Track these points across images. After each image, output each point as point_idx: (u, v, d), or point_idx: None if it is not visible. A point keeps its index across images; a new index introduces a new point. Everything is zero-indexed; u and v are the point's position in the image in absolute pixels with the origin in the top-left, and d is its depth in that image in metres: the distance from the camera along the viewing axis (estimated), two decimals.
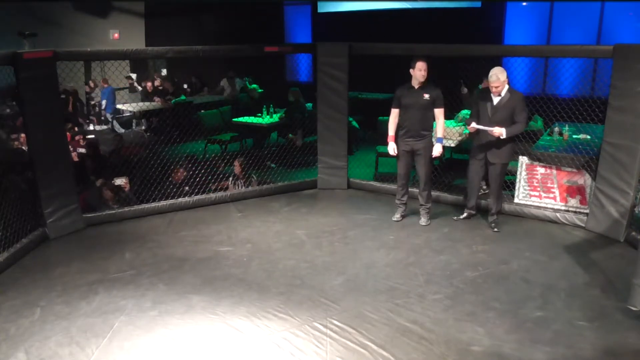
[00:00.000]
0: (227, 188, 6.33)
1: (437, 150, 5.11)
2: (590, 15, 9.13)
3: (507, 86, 4.94)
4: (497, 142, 4.96)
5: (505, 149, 5.01)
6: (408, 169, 5.31)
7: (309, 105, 8.55)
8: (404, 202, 5.51)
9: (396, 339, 3.45)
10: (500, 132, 4.84)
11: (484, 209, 5.57)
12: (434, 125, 5.21)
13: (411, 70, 5.00)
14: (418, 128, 5.05)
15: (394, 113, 5.20)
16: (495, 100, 4.95)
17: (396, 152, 5.18)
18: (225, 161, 6.64)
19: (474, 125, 5.01)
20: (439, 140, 5.11)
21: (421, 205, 5.42)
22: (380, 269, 4.47)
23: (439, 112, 5.09)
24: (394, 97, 5.17)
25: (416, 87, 5.01)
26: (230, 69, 11.39)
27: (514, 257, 4.69)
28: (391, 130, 5.22)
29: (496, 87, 4.86)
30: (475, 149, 5.20)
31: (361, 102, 9.57)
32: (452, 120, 6.75)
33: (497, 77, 4.83)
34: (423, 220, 5.43)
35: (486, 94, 5.03)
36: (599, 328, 3.55)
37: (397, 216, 5.54)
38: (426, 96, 4.98)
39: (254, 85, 10.17)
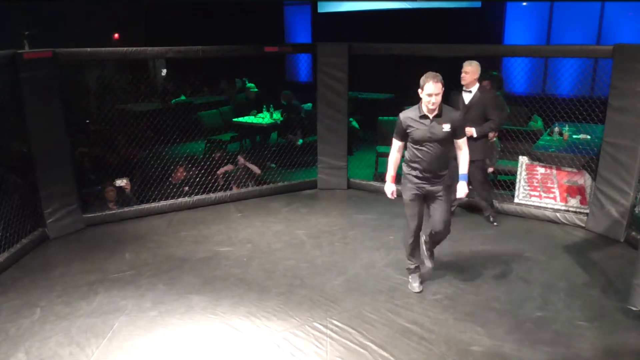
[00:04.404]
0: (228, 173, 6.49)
1: (462, 191, 3.91)
2: (590, 15, 9.13)
3: (477, 84, 5.01)
4: (471, 140, 4.86)
5: (480, 145, 5.04)
6: (421, 218, 3.97)
7: (309, 105, 8.55)
8: (417, 265, 4.15)
9: (396, 339, 3.45)
10: (470, 131, 4.86)
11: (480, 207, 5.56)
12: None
13: (420, 92, 3.68)
14: (436, 168, 3.77)
15: (397, 147, 3.90)
16: (467, 99, 4.99)
17: (394, 196, 3.97)
18: (225, 161, 6.64)
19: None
20: (463, 177, 3.92)
21: (435, 243, 4.12)
22: (380, 269, 4.47)
23: (462, 142, 3.85)
24: (398, 125, 3.81)
25: (431, 116, 3.68)
26: (228, 70, 11.35)
27: (514, 257, 4.68)
28: (392, 169, 3.97)
29: (465, 73, 4.92)
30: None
31: (361, 102, 9.56)
32: None
33: (470, 63, 4.93)
34: (429, 263, 4.15)
35: (457, 95, 5.09)
36: (599, 328, 3.55)
37: (415, 284, 4.12)
38: (446, 127, 3.68)
39: (250, 84, 10.17)
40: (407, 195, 3.90)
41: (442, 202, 3.85)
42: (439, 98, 3.61)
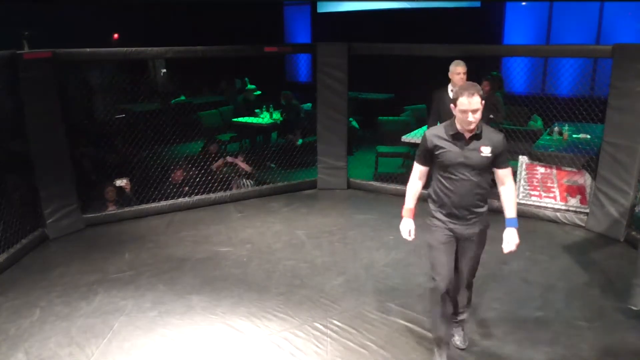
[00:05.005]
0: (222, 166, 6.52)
1: (512, 242, 3.04)
2: (590, 15, 9.13)
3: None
4: None
5: None
6: (453, 270, 3.12)
7: (309, 105, 8.55)
8: (448, 333, 3.23)
9: (396, 339, 3.45)
10: None
11: None
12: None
13: (452, 108, 2.94)
14: (469, 203, 2.98)
15: (418, 172, 3.12)
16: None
17: (412, 236, 3.13)
18: (222, 156, 6.64)
19: None
20: (512, 222, 3.03)
21: (459, 312, 3.32)
22: (380, 269, 4.47)
23: (504, 175, 3.02)
24: (422, 145, 3.06)
25: (467, 135, 2.94)
26: (228, 70, 11.37)
27: (514, 257, 4.67)
28: (411, 200, 3.15)
29: (464, 73, 4.87)
30: None
31: (361, 102, 9.57)
32: None
33: (464, 64, 4.87)
34: (458, 339, 3.36)
35: (443, 95, 5.04)
36: (598, 328, 3.55)
37: (459, 340, 3.39)
38: (486, 151, 2.92)
39: (251, 86, 10.17)
40: (436, 237, 3.06)
41: (472, 249, 3.09)
42: (478, 115, 2.85)
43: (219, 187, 6.28)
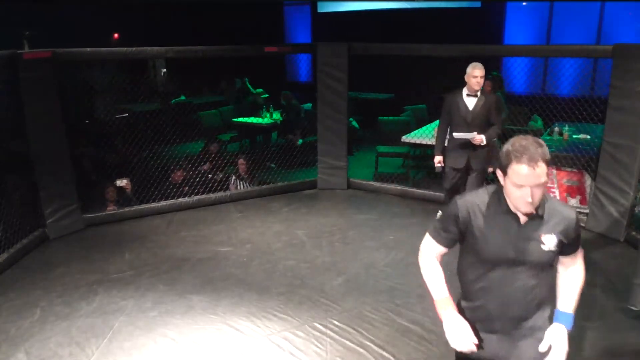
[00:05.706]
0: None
1: (561, 351, 1.92)
2: (590, 15, 9.14)
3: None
4: (478, 147, 4.62)
5: (484, 153, 4.69)
6: None
7: (309, 105, 8.56)
8: None
9: (396, 339, 3.45)
10: (481, 138, 4.52)
11: None
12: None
13: (500, 176, 1.89)
14: (520, 314, 1.99)
15: (436, 253, 2.11)
16: (471, 104, 4.54)
17: (471, 348, 1.95)
18: (226, 161, 6.65)
19: (440, 156, 4.77)
20: (566, 319, 1.97)
21: None
22: (380, 269, 4.47)
23: (572, 259, 2.04)
24: (448, 217, 2.02)
25: (523, 217, 1.90)
26: (228, 70, 11.37)
27: None
28: (442, 288, 2.06)
29: (481, 77, 4.44)
30: (454, 159, 4.70)
31: (361, 102, 9.57)
32: None
33: (482, 67, 4.46)
34: None
35: (456, 99, 4.58)
36: (599, 328, 3.55)
37: None
38: (549, 242, 1.90)
39: (259, 90, 10.17)
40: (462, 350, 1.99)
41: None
42: (540, 192, 1.79)
43: (218, 187, 6.29)
